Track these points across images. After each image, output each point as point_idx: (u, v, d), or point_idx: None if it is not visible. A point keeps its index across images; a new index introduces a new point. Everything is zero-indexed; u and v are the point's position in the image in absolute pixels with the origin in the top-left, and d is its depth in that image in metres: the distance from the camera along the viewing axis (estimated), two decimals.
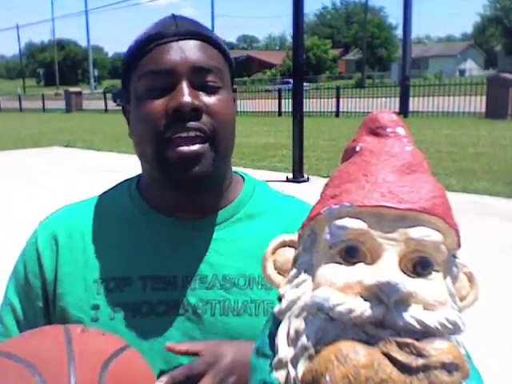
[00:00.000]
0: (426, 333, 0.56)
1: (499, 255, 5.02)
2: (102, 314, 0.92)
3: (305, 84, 9.92)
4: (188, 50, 0.89)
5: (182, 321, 0.92)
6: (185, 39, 0.90)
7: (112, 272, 0.94)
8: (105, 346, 0.74)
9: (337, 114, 22.05)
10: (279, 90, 23.69)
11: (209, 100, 0.89)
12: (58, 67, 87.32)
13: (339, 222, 0.61)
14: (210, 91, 0.90)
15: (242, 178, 1.06)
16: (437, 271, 0.61)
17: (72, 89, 35.54)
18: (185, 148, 0.87)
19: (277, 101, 23.40)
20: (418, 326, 0.56)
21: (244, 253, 0.95)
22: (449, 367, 0.55)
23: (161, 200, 0.97)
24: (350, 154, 0.70)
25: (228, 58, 0.96)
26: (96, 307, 0.93)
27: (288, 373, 0.60)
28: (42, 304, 0.98)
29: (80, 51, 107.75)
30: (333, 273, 0.60)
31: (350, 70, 77.35)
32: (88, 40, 68.27)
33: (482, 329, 3.41)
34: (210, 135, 0.89)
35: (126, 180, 1.07)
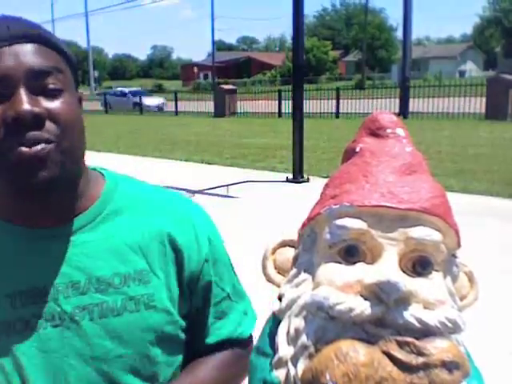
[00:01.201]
0: (426, 332, 0.57)
1: (499, 255, 5.01)
2: None
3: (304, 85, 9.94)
4: (22, 54, 0.82)
5: (61, 331, 0.88)
6: (18, 43, 0.83)
7: None
8: None
9: (337, 115, 22.03)
10: (279, 91, 23.68)
11: (50, 105, 0.83)
12: None
13: (339, 222, 0.61)
14: (52, 95, 0.83)
15: (102, 174, 1.00)
16: (437, 271, 0.61)
17: None
18: (26, 150, 0.80)
19: (277, 102, 23.40)
20: (418, 325, 0.56)
21: (115, 251, 0.91)
22: (449, 366, 0.55)
23: (14, 209, 0.90)
24: (350, 154, 0.70)
25: (69, 58, 0.90)
26: None
27: (288, 371, 0.60)
28: None
29: (80, 52, 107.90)
30: (333, 272, 0.60)
31: (350, 71, 77.32)
32: (88, 41, 68.28)
33: (482, 329, 3.41)
34: (55, 140, 0.82)
35: None
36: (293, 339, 0.61)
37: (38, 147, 0.80)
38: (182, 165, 10.69)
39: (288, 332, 0.62)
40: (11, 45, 0.82)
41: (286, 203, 6.85)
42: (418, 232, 0.60)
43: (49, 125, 0.82)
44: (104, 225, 0.93)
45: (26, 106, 0.79)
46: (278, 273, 0.70)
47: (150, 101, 31.51)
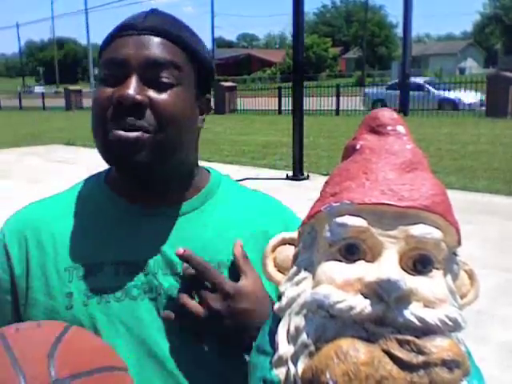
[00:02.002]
0: (426, 330, 0.56)
1: (499, 253, 5.02)
2: (75, 301, 0.93)
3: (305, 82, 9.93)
4: (145, 45, 0.89)
5: (155, 304, 0.93)
6: (146, 34, 0.90)
7: (83, 259, 0.95)
8: (44, 337, 0.73)
9: (337, 112, 22.05)
10: (279, 88, 23.68)
11: (157, 96, 0.89)
12: (57, 65, 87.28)
13: (339, 220, 0.61)
14: (162, 87, 0.89)
15: (209, 172, 1.08)
16: (437, 269, 0.61)
17: (72, 87, 35.42)
18: (122, 133, 0.87)
19: (277, 99, 23.41)
20: (418, 324, 0.56)
21: (209, 240, 0.97)
22: (449, 364, 0.55)
23: (127, 188, 0.99)
24: (350, 152, 0.70)
25: (196, 59, 0.95)
26: (69, 295, 0.93)
27: (288, 370, 0.60)
28: (10, 298, 0.98)
29: (80, 49, 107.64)
30: (333, 270, 0.60)
31: (350, 68, 77.27)
32: (88, 38, 68.25)
33: (482, 328, 3.42)
34: (152, 130, 0.88)
35: (93, 174, 1.08)
36: (293, 338, 0.61)
37: (133, 134, 0.87)
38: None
39: (288, 330, 0.62)
40: (139, 34, 0.90)
41: (286, 201, 6.85)
42: (418, 230, 0.60)
43: (149, 115, 0.88)
44: (204, 215, 1.00)
45: (130, 92, 0.86)
46: (278, 271, 0.70)
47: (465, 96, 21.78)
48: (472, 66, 72.47)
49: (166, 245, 0.96)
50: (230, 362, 0.93)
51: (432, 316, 0.57)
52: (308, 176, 8.98)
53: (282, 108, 22.80)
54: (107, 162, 0.94)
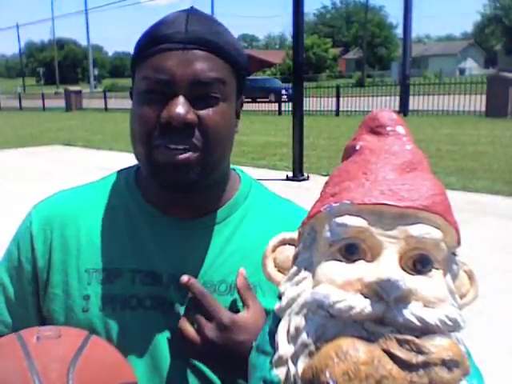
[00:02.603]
0: (426, 330, 0.56)
1: (499, 254, 5.02)
2: (92, 304, 0.93)
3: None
4: (190, 63, 0.86)
5: (166, 317, 0.93)
6: (189, 49, 0.87)
7: (104, 263, 0.95)
8: (64, 350, 0.73)
9: (337, 112, 22.03)
10: (279, 89, 23.67)
11: (204, 113, 0.88)
12: (57, 66, 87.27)
13: (339, 220, 0.61)
14: (209, 103, 0.88)
15: (239, 176, 1.06)
16: (437, 269, 0.61)
17: (72, 88, 35.37)
18: (171, 155, 0.87)
19: None
20: (417, 323, 0.56)
21: (229, 258, 0.96)
22: (449, 364, 0.55)
23: (157, 196, 0.97)
24: (350, 152, 0.70)
25: (237, 66, 0.93)
26: (86, 297, 0.94)
27: (288, 370, 0.60)
28: (32, 288, 0.98)
29: (80, 50, 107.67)
30: (333, 270, 0.60)
31: (350, 68, 77.26)
32: (88, 39, 68.24)
33: (482, 328, 3.42)
34: (201, 148, 0.88)
35: (123, 169, 1.06)
36: (293, 337, 0.61)
37: (183, 156, 0.87)
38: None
39: (288, 330, 0.62)
40: (184, 49, 0.87)
41: None
42: (418, 230, 0.60)
43: (198, 132, 0.88)
44: (228, 228, 0.98)
45: (181, 111, 0.85)
46: (278, 271, 0.70)
47: None
48: (472, 66, 72.46)
49: (182, 260, 0.95)
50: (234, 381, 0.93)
51: (432, 316, 0.57)
52: (308, 177, 8.98)
53: (282, 109, 22.79)
54: (154, 180, 0.92)
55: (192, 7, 0.94)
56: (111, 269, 0.95)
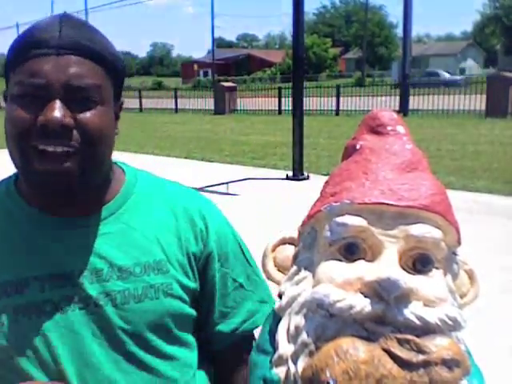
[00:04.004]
0: (426, 329, 0.57)
1: (499, 253, 5.02)
2: (6, 318, 0.92)
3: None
4: (65, 68, 0.87)
5: (86, 314, 0.93)
6: (64, 54, 0.88)
7: (6, 276, 0.94)
8: None
9: (337, 112, 21.99)
10: (279, 89, 23.67)
11: (82, 116, 0.88)
12: None
13: (339, 220, 0.61)
14: (85, 107, 0.88)
15: (122, 169, 1.06)
16: (437, 268, 0.61)
17: None
18: (50, 166, 0.86)
19: (277, 99, 23.39)
20: (418, 323, 0.56)
21: (135, 242, 0.97)
22: (449, 363, 0.55)
23: (41, 199, 0.96)
24: (350, 152, 0.70)
25: (113, 71, 0.94)
26: None
27: (288, 369, 0.60)
28: None
29: None
30: (333, 269, 0.60)
31: (350, 68, 77.19)
32: None
33: (482, 327, 3.41)
34: (80, 150, 0.88)
35: (2, 180, 1.05)
36: (293, 337, 0.61)
37: (61, 148, 0.86)
38: (182, 162, 10.67)
39: (288, 329, 0.62)
40: (58, 54, 0.87)
41: (286, 201, 6.85)
42: (418, 229, 0.60)
43: (76, 134, 0.87)
44: (124, 217, 0.99)
45: (57, 115, 0.85)
46: (279, 270, 0.70)
47: None
48: (472, 66, 72.43)
49: (88, 253, 0.95)
50: (170, 363, 0.96)
51: (432, 315, 0.57)
52: (308, 176, 8.97)
53: (282, 108, 22.77)
54: (28, 184, 0.92)
55: (65, 12, 0.95)
56: (16, 280, 0.93)
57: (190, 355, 1.02)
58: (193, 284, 1.01)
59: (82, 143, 0.88)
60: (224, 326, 1.04)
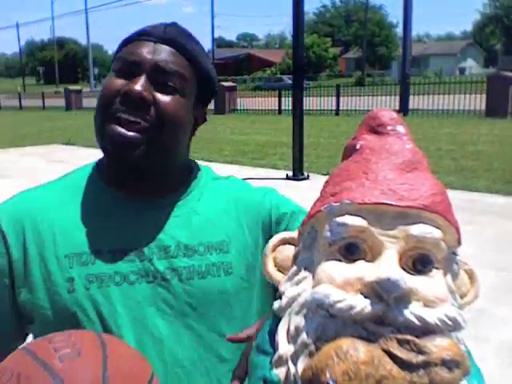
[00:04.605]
0: (426, 330, 0.56)
1: (499, 253, 5.02)
2: (77, 285, 0.99)
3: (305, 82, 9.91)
4: (159, 53, 1.00)
5: (153, 287, 1.01)
6: (162, 43, 1.01)
7: (82, 246, 1.02)
8: (92, 370, 0.73)
9: (337, 112, 22.02)
10: (279, 88, 23.66)
11: (161, 97, 0.99)
12: (57, 65, 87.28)
13: (339, 220, 0.61)
14: (167, 91, 0.99)
15: (191, 165, 1.17)
16: (437, 268, 0.61)
17: (72, 87, 35.26)
18: (120, 131, 0.96)
19: (277, 99, 23.40)
20: (418, 323, 0.56)
21: (199, 225, 1.06)
22: (449, 364, 0.55)
23: (118, 180, 1.06)
24: (350, 151, 0.70)
25: (202, 74, 1.06)
26: (71, 280, 1.00)
27: (288, 369, 0.60)
28: (7, 281, 1.03)
29: (80, 49, 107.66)
30: (333, 270, 0.60)
31: (350, 68, 77.22)
32: (88, 38, 68.26)
33: (482, 328, 3.42)
34: (152, 127, 0.97)
35: (86, 165, 1.16)
36: (293, 337, 0.61)
37: (130, 134, 0.96)
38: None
39: (288, 330, 0.62)
40: (156, 42, 1.01)
41: None
42: (418, 229, 0.60)
43: (152, 111, 0.98)
44: (191, 203, 1.09)
45: (139, 88, 0.96)
46: (278, 270, 0.70)
47: None
48: (472, 66, 72.46)
49: (158, 231, 1.04)
50: (226, 344, 0.97)
51: (432, 315, 0.57)
52: (308, 176, 8.99)
53: (282, 108, 22.79)
54: (102, 149, 1.02)
55: (175, 22, 1.08)
56: (90, 251, 1.01)
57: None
58: (256, 261, 1.07)
59: (155, 120, 0.98)
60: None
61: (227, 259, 1.05)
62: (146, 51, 1.00)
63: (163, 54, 1.00)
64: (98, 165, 1.12)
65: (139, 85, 0.97)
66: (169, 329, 1.00)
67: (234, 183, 1.20)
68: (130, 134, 0.96)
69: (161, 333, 0.99)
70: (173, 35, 1.03)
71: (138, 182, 1.05)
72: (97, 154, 1.05)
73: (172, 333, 1.00)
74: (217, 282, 1.03)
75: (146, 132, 0.97)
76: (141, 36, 1.03)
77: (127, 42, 1.05)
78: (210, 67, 1.09)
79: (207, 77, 1.08)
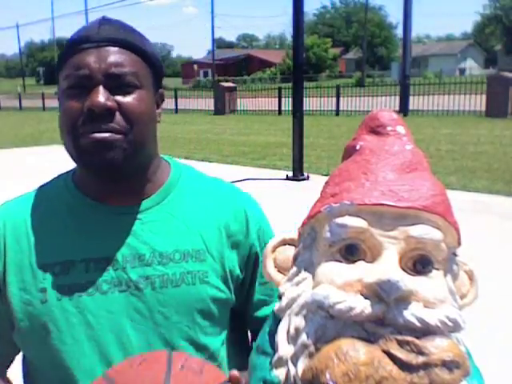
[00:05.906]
0: (426, 331, 0.56)
1: (499, 253, 5.02)
2: (49, 296, 1.00)
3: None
4: (104, 58, 0.98)
5: (125, 296, 1.00)
6: (103, 46, 0.99)
7: (56, 257, 1.01)
8: (154, 374, 0.75)
9: (337, 112, 22.02)
10: (279, 89, 23.67)
11: (123, 99, 0.98)
12: None
13: (339, 220, 0.61)
14: (126, 91, 0.98)
15: (169, 163, 1.15)
16: (437, 269, 0.61)
17: None
18: (97, 135, 0.95)
19: (277, 99, 23.39)
20: (418, 324, 0.56)
21: (176, 231, 1.05)
22: (449, 365, 0.55)
23: (93, 188, 1.05)
24: (350, 152, 0.70)
25: (151, 60, 1.04)
26: (43, 290, 1.00)
27: (288, 370, 0.60)
28: None
29: None
30: (333, 271, 0.60)
31: (350, 68, 77.21)
32: None
33: (482, 327, 3.42)
34: (123, 131, 0.97)
35: (62, 173, 1.15)
36: (293, 338, 0.60)
37: (107, 134, 0.95)
38: (182, 162, 10.70)
39: (288, 331, 0.62)
40: (98, 47, 0.99)
41: (286, 201, 6.85)
42: (418, 230, 0.60)
43: (119, 117, 0.97)
44: (167, 208, 1.07)
45: (101, 99, 0.95)
46: (278, 271, 0.70)
47: None
48: (472, 66, 72.44)
49: (133, 239, 1.03)
50: (201, 354, 1.00)
51: (432, 316, 0.57)
52: (308, 176, 8.98)
53: (282, 108, 22.78)
54: (81, 163, 1.01)
55: (103, 16, 1.06)
56: (64, 261, 1.01)
57: (220, 348, 1.07)
58: (234, 273, 1.07)
59: (124, 124, 0.97)
60: (261, 312, 1.11)
61: (203, 268, 1.03)
62: (93, 60, 0.97)
63: (110, 57, 0.98)
64: (74, 173, 1.11)
65: (100, 96, 0.95)
66: (140, 339, 0.99)
67: (215, 184, 1.17)
68: (106, 134, 0.96)
69: (132, 342, 0.99)
70: (111, 33, 1.00)
71: (113, 188, 1.04)
72: None
73: (144, 343, 0.99)
74: (191, 290, 1.02)
75: (118, 136, 0.96)
76: (78, 45, 0.99)
77: (65, 54, 1.01)
78: (153, 49, 1.07)
79: (155, 60, 1.06)
